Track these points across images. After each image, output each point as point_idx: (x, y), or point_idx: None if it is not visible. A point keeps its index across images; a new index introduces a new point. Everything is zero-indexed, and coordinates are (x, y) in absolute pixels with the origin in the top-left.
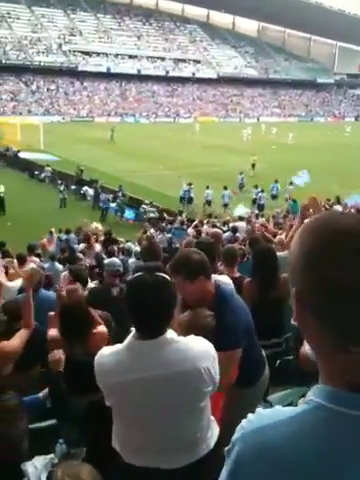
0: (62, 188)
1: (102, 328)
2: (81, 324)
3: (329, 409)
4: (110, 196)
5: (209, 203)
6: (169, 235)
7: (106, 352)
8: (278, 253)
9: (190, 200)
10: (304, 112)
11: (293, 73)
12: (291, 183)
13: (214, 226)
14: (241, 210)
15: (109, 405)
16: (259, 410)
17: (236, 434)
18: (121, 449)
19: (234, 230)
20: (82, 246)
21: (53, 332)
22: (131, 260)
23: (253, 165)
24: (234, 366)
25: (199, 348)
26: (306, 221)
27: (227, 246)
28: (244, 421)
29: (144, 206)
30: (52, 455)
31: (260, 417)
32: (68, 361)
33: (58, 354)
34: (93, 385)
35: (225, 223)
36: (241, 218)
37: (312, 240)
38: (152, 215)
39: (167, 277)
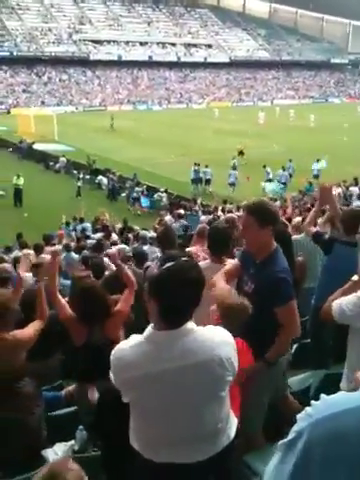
0: (81, 175)
1: (122, 306)
2: (100, 308)
3: None
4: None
5: (208, 182)
6: (184, 222)
7: (124, 346)
8: (294, 237)
9: (198, 181)
10: (318, 94)
11: (306, 54)
12: (318, 160)
13: (229, 212)
14: (272, 188)
15: (127, 401)
16: (324, 397)
17: (301, 422)
18: (141, 446)
19: None
20: (99, 235)
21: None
22: (146, 247)
23: (240, 152)
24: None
25: (219, 337)
26: None
27: None
28: (309, 409)
29: (159, 194)
30: (72, 442)
31: (328, 404)
32: (87, 346)
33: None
34: (107, 370)
35: (240, 208)
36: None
37: None
38: (164, 202)
39: (198, 265)
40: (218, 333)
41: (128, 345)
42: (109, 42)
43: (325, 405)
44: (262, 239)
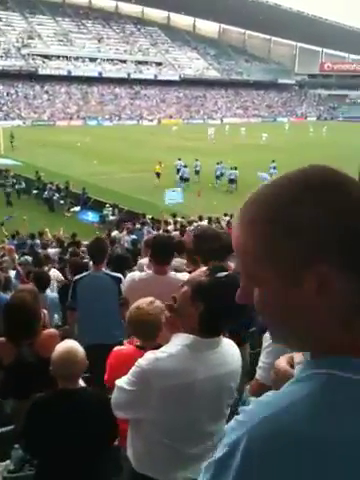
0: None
1: (53, 330)
2: (28, 324)
3: (347, 379)
4: (54, 186)
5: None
6: (134, 236)
7: (163, 354)
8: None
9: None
10: (267, 113)
11: (254, 74)
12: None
13: (182, 225)
14: (173, 196)
15: (151, 418)
16: (255, 399)
17: (236, 431)
18: (157, 470)
19: None
20: (54, 251)
21: None
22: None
23: (157, 173)
24: None
25: (237, 350)
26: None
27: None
28: (240, 417)
29: (108, 208)
30: (8, 461)
31: (263, 404)
32: (15, 362)
33: None
34: (40, 387)
35: (190, 223)
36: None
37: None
38: (112, 218)
39: None
40: (235, 346)
41: (167, 353)
42: (58, 57)
43: (260, 406)
44: None
